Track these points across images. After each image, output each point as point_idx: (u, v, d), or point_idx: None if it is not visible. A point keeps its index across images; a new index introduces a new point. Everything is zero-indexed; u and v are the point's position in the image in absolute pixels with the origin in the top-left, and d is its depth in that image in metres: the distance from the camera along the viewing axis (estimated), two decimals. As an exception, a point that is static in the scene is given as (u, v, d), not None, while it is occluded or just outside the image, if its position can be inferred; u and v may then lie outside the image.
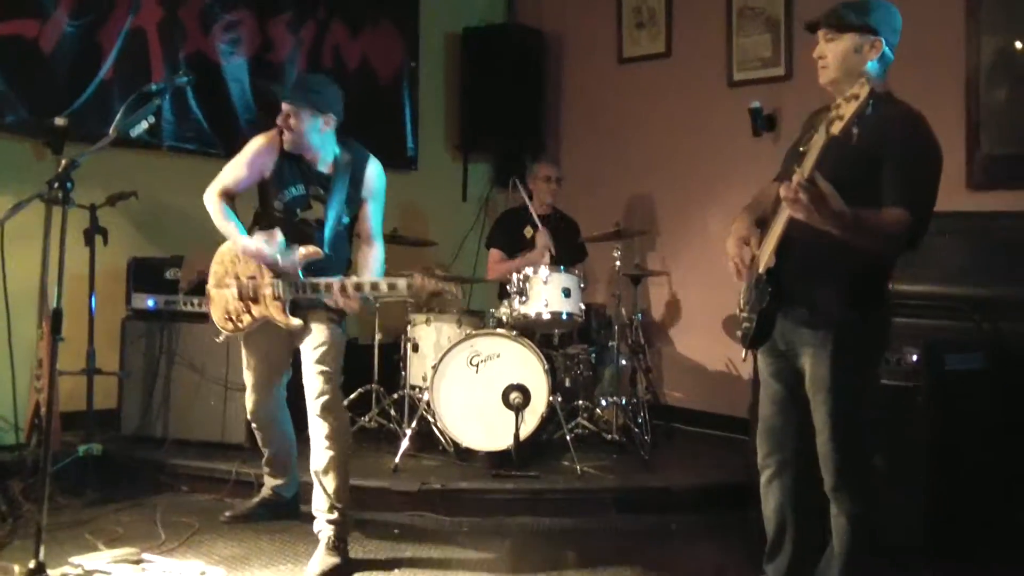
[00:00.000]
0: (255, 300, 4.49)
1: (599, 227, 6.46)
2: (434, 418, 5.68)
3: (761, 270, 3.37)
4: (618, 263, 6.24)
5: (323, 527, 4.41)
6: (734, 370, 6.70)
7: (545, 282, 5.80)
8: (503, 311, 5.95)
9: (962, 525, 4.28)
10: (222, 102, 6.76)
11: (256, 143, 4.57)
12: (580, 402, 6.06)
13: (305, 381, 4.48)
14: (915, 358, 4.29)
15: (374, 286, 4.26)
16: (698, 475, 5.73)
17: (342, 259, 4.67)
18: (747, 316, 3.49)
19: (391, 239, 6.05)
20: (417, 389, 5.97)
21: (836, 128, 2.96)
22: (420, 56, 7.91)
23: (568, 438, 5.58)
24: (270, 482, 5.00)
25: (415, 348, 6.08)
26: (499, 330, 5.78)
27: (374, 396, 6.21)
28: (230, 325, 4.60)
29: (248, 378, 4.75)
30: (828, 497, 3.46)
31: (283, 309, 4.44)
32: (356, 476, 5.09)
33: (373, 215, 4.66)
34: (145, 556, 4.34)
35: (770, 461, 3.68)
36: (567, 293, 5.82)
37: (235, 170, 4.56)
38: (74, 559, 4.18)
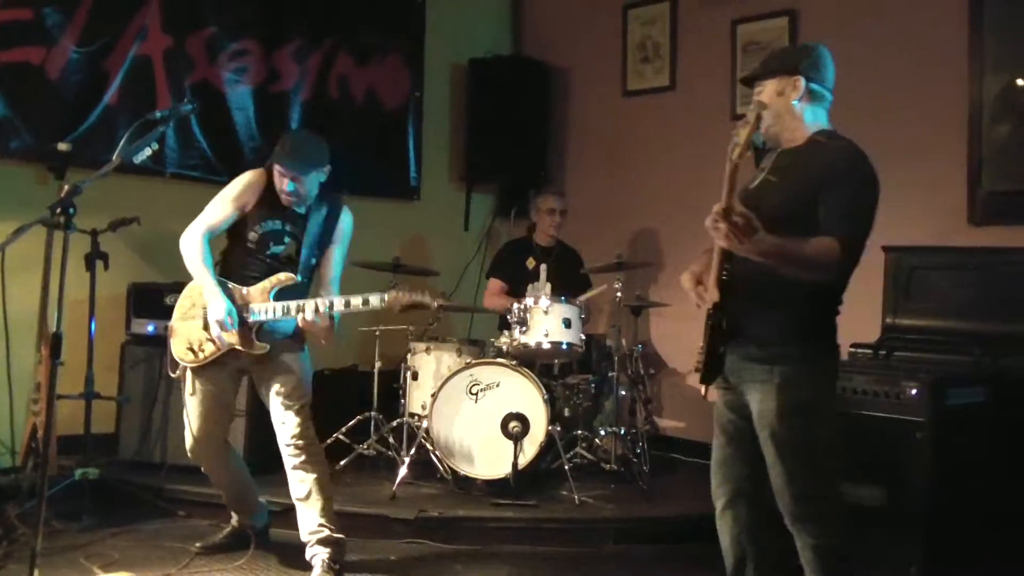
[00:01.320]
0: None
1: (602, 258, 6.46)
2: (433, 446, 5.67)
3: (708, 305, 3.43)
4: (619, 294, 6.24)
5: (317, 551, 4.39)
6: (734, 402, 6.67)
7: (546, 312, 5.79)
8: (503, 341, 5.96)
9: (963, 560, 4.25)
10: (226, 130, 6.79)
11: (243, 181, 4.59)
12: (579, 432, 6.04)
13: (273, 414, 4.47)
14: (914, 392, 4.27)
15: (347, 304, 4.26)
16: (696, 505, 5.63)
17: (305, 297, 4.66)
18: (700, 351, 3.52)
19: (394, 268, 6.07)
20: (416, 417, 5.97)
21: (735, 155, 3.17)
22: (425, 86, 7.91)
23: (567, 468, 5.56)
24: (236, 515, 4.91)
25: (415, 376, 6.07)
26: (499, 359, 5.78)
27: (373, 423, 6.18)
28: (190, 356, 4.52)
29: (191, 412, 4.58)
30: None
31: (249, 336, 4.43)
32: (354, 503, 5.09)
33: (337, 261, 4.66)
34: (140, 581, 4.33)
35: (721, 492, 3.65)
36: (567, 323, 5.82)
37: (222, 208, 4.56)
38: (69, 583, 4.16)
